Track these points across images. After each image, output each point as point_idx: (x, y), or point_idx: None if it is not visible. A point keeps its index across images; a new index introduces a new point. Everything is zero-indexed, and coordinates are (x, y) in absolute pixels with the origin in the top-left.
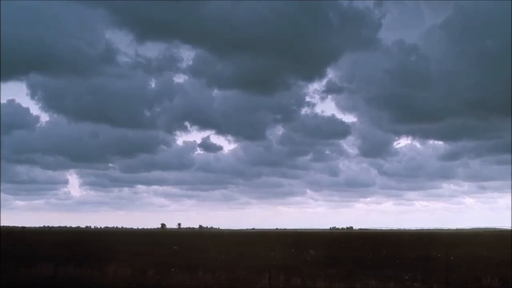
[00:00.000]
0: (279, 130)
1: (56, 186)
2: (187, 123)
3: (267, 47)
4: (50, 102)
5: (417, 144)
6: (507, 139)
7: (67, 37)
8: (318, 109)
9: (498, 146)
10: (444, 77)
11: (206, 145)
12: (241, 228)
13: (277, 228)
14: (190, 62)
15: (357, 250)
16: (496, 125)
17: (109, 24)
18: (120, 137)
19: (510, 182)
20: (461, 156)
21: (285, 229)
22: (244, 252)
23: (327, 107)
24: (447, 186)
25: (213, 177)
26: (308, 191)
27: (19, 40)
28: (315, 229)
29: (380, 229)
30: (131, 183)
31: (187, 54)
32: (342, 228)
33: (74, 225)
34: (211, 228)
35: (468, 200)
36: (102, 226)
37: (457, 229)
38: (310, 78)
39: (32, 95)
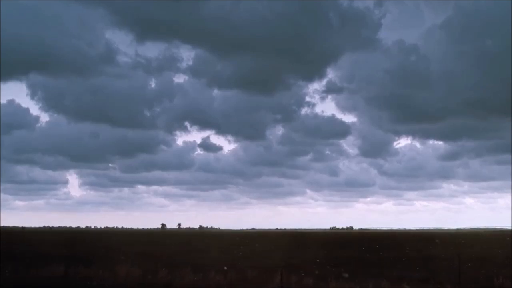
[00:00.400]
0: (279, 130)
1: (56, 186)
2: (187, 123)
3: (267, 47)
4: (50, 102)
5: (417, 144)
6: (507, 139)
7: (67, 37)
8: (318, 109)
9: (498, 146)
10: (444, 77)
11: (206, 145)
12: (241, 228)
13: (277, 228)
14: (190, 62)
15: (362, 251)
16: (496, 125)
17: (109, 24)
18: (120, 137)
19: (510, 182)
20: (461, 156)
21: (285, 229)
22: (250, 252)
23: (327, 107)
24: (447, 186)
25: (213, 177)
26: (308, 191)
27: (19, 40)
28: (315, 229)
29: (380, 229)
30: (131, 183)
31: (187, 54)
32: (342, 228)
33: (74, 225)
34: (211, 228)
35: (468, 200)
36: (102, 226)
37: (457, 229)
38: (310, 78)
39: (32, 95)
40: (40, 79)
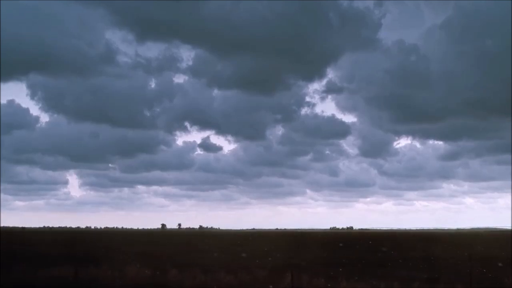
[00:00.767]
0: (279, 130)
1: (56, 186)
2: (187, 123)
3: (267, 47)
4: (50, 102)
5: (417, 144)
6: (507, 139)
7: (67, 37)
8: (318, 109)
9: (498, 146)
10: (444, 77)
11: (206, 145)
12: (241, 228)
13: (277, 228)
14: (190, 62)
15: (366, 251)
16: (496, 125)
17: (109, 24)
18: (120, 137)
19: (510, 182)
20: (461, 156)
21: (285, 229)
22: (254, 252)
23: (327, 107)
24: (447, 186)
25: (213, 177)
26: (308, 191)
27: (19, 40)
28: (315, 229)
29: (380, 229)
30: (131, 183)
31: (187, 54)
32: (342, 228)
33: (74, 225)
34: (211, 228)
35: (468, 200)
36: (102, 227)
37: (457, 229)
38: (310, 78)
39: (32, 96)
40: (40, 79)
